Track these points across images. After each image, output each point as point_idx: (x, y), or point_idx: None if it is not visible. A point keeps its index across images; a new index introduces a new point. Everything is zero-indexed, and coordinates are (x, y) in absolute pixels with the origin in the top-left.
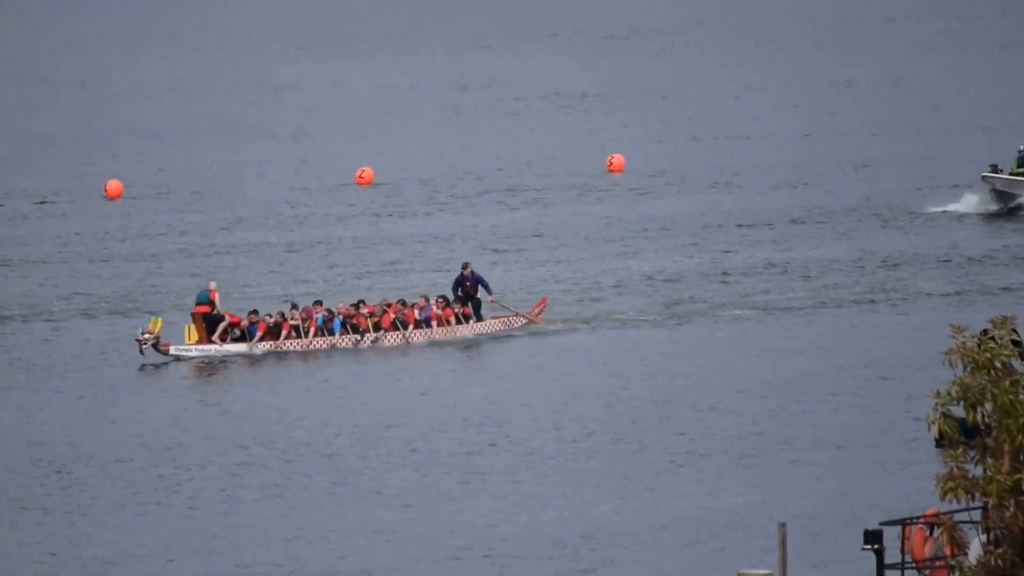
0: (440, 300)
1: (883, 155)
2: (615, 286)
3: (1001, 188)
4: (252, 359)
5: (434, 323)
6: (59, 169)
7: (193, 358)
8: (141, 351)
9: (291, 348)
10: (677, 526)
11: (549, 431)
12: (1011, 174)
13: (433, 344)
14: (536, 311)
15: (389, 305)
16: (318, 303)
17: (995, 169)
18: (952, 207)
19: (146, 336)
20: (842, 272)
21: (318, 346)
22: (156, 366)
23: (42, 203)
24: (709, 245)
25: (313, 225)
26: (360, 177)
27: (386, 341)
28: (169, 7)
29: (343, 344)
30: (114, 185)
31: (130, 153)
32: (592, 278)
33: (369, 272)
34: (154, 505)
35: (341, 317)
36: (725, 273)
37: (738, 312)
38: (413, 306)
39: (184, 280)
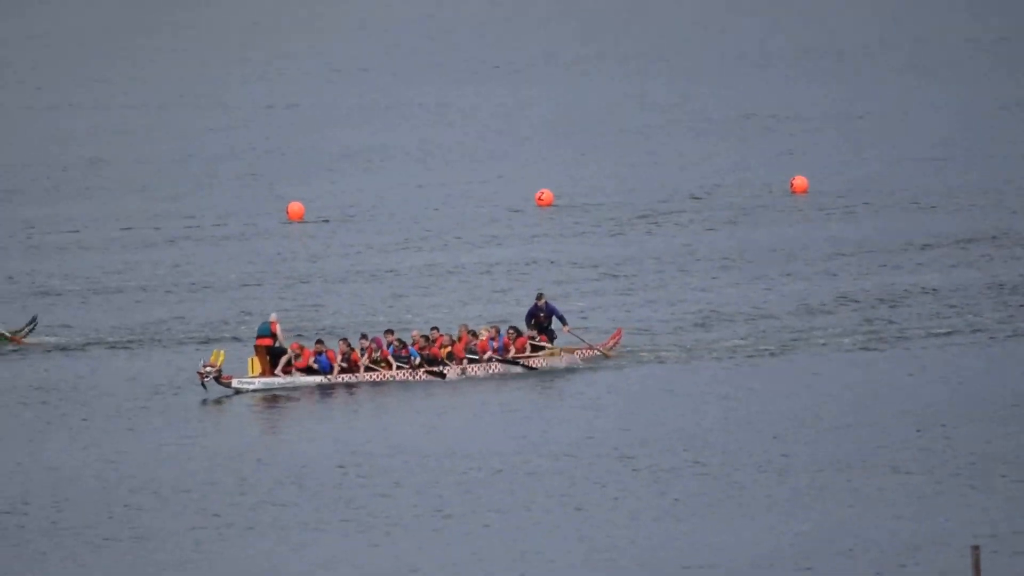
0: (511, 331)
1: None
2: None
3: None
4: (316, 391)
5: (508, 353)
6: (242, 191)
7: (256, 391)
8: (203, 384)
9: (360, 380)
10: (864, 550)
11: (673, 457)
12: None
13: (504, 376)
14: (611, 343)
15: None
16: (389, 332)
17: None
18: None
19: (207, 369)
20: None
21: (389, 378)
22: (218, 400)
23: (220, 224)
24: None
25: (488, 246)
26: (540, 199)
27: (458, 372)
28: (352, 36)
29: (415, 377)
30: (296, 207)
31: (315, 175)
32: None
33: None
34: (216, 538)
35: (413, 347)
36: (932, 290)
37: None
38: (485, 335)
39: (364, 302)
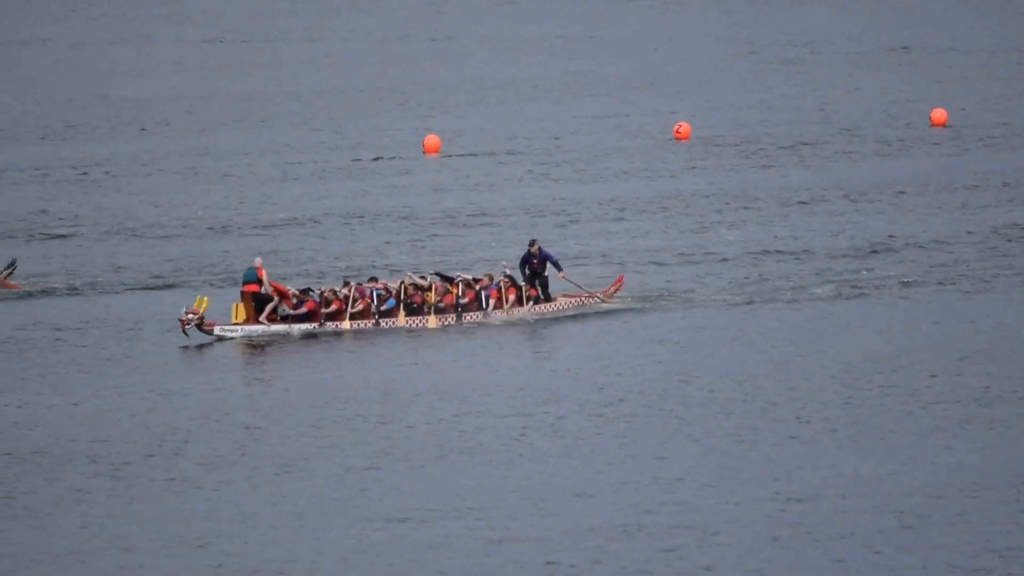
0: (505, 279)
1: None
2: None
3: None
4: (297, 339)
5: (492, 302)
6: (382, 125)
7: (237, 338)
8: (184, 331)
9: (343, 328)
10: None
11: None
12: None
13: (496, 324)
14: (611, 290)
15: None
16: (372, 279)
17: None
18: None
19: (190, 316)
20: None
21: (371, 326)
22: (199, 347)
23: (376, 159)
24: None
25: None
26: (677, 132)
27: (445, 321)
28: None
29: (397, 324)
30: (432, 140)
31: (450, 109)
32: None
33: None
34: (194, 487)
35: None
36: None
37: None
38: (477, 284)
39: (498, 237)
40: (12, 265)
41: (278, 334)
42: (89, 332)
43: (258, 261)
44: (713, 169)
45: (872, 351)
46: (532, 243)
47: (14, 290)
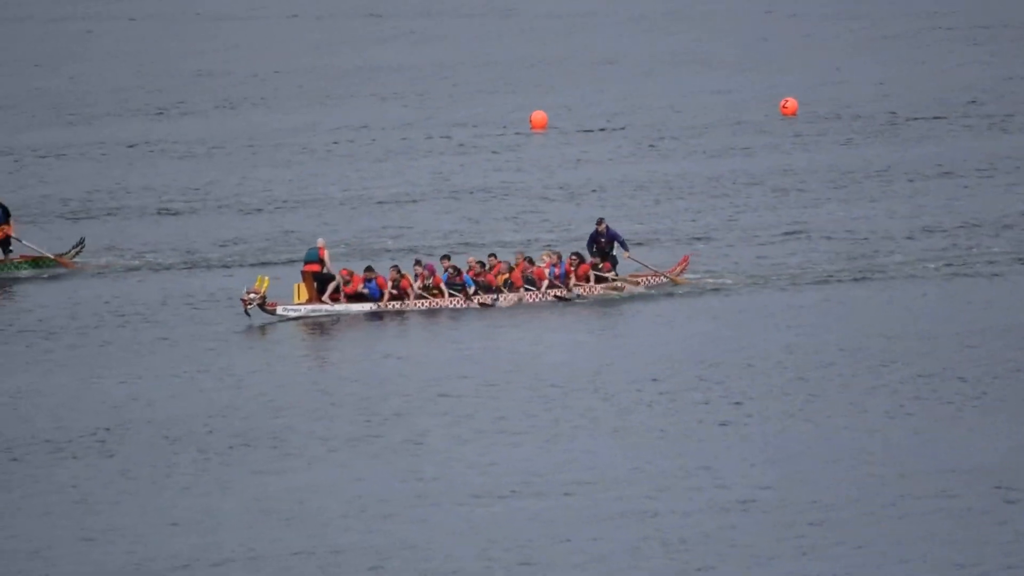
0: (574, 257)
1: None
2: None
3: None
4: (364, 319)
5: (569, 280)
6: (489, 101)
7: (301, 318)
8: (246, 311)
9: (411, 307)
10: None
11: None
12: None
13: (563, 304)
14: (677, 269)
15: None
16: (445, 258)
17: None
18: None
19: (251, 295)
20: None
21: (441, 305)
22: (262, 326)
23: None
24: None
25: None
26: (784, 107)
27: (516, 300)
28: None
29: (470, 304)
30: (539, 116)
31: (562, 85)
32: None
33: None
34: (254, 465)
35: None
36: None
37: None
38: (546, 261)
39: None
40: (80, 244)
41: (341, 314)
42: (153, 311)
43: (320, 241)
44: (820, 145)
45: (987, 329)
46: (600, 221)
47: (79, 270)
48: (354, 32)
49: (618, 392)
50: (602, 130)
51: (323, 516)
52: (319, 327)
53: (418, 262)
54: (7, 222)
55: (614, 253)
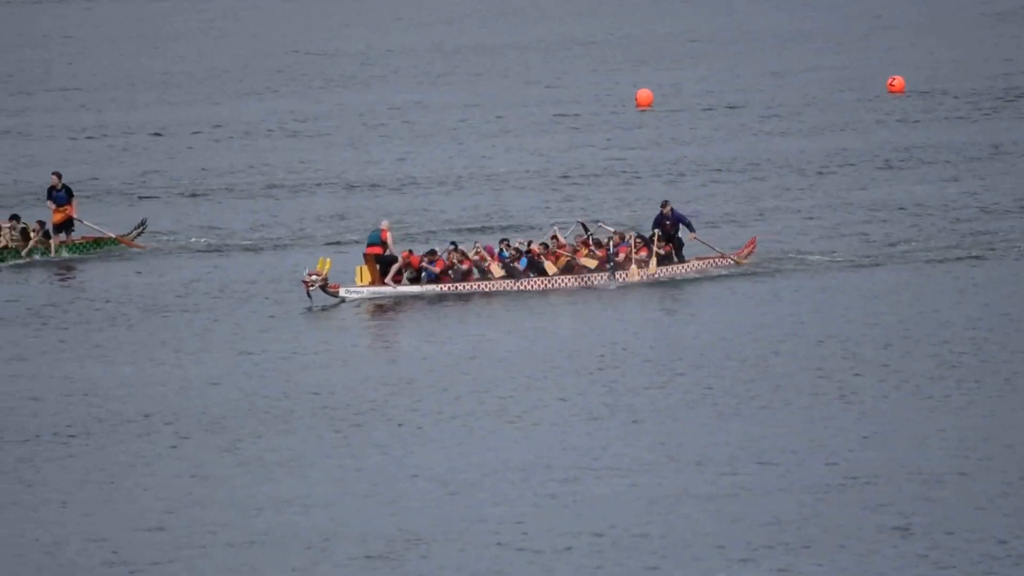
0: (638, 239)
1: None
2: None
3: None
4: (427, 301)
5: (631, 263)
6: (595, 79)
7: (364, 300)
8: (308, 293)
9: (472, 289)
10: None
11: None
12: None
13: (627, 286)
14: (744, 252)
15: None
16: (504, 240)
17: None
18: None
19: (313, 277)
20: None
21: (501, 288)
22: (323, 308)
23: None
24: None
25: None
26: (891, 85)
27: (576, 281)
28: None
29: (528, 287)
30: (645, 95)
31: (663, 63)
32: None
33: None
34: (318, 446)
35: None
36: None
37: None
38: (609, 244)
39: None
40: (142, 225)
41: (405, 296)
42: (214, 293)
43: (384, 223)
44: (926, 123)
45: None
46: (664, 204)
47: (140, 250)
48: (457, 10)
49: (690, 371)
50: (709, 109)
51: (405, 497)
52: (381, 309)
53: (475, 243)
54: (70, 203)
55: (679, 236)
